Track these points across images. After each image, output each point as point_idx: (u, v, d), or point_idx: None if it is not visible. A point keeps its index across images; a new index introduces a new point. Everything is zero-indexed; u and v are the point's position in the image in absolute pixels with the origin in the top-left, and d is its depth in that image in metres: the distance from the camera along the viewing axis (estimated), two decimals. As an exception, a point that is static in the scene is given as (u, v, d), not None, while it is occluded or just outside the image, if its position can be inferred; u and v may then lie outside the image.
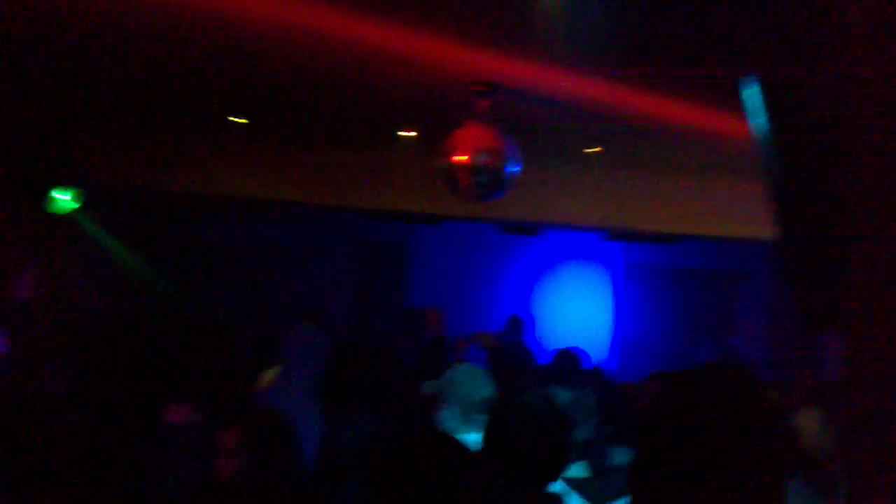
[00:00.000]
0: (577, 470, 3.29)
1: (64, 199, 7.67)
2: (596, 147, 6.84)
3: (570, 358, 6.00)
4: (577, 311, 9.89)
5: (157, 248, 9.11)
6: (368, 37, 4.42)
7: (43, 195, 7.56)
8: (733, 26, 3.33)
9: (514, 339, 8.50)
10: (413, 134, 6.94)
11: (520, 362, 6.83)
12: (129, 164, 7.94)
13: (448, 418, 3.64)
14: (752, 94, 3.13)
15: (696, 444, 1.39)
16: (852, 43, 2.09)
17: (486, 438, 2.74)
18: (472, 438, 3.07)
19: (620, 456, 3.91)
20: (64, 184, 7.58)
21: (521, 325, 8.89)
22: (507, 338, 8.46)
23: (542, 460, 2.65)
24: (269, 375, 5.08)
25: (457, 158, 4.99)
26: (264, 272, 10.26)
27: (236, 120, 7.01)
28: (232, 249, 10.21)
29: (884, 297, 1.60)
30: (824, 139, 2.49)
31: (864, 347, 1.60)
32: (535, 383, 5.37)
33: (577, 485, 3.18)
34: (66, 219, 7.79)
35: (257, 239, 10.31)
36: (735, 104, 3.94)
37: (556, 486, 2.78)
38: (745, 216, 7.15)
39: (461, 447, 2.18)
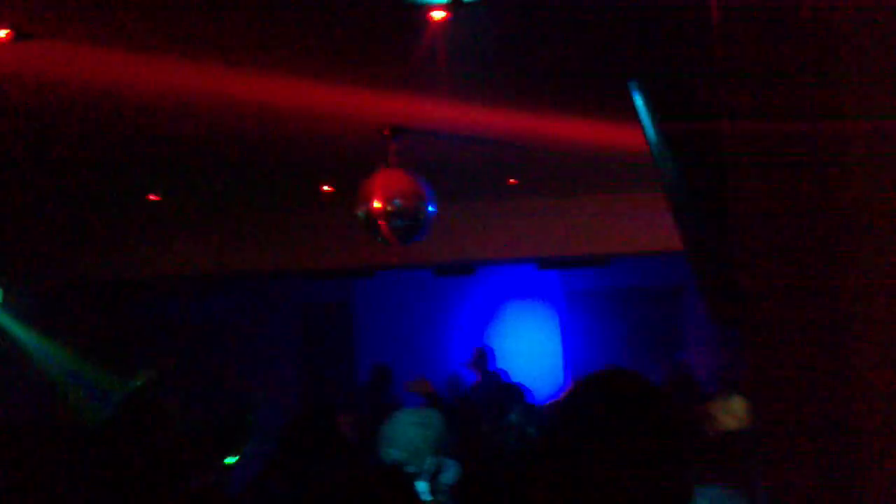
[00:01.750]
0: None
1: None
2: (513, 179, 6.89)
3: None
4: (525, 345, 9.88)
5: (87, 338, 8.89)
6: (272, 93, 4.42)
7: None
8: (610, 37, 3.39)
9: (482, 370, 8.59)
10: (331, 189, 6.93)
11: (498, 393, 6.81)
12: (48, 255, 7.78)
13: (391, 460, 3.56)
14: (638, 101, 3.18)
15: (594, 438, 1.40)
16: (721, 42, 2.13)
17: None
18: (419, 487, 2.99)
19: None
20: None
21: (486, 356, 8.93)
22: (474, 369, 8.50)
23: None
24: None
25: (373, 205, 5.01)
26: (206, 348, 10.07)
27: (153, 198, 6.93)
28: (168, 329, 10.02)
29: (775, 296, 1.63)
30: (707, 142, 2.52)
31: (761, 344, 1.62)
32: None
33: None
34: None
35: (196, 314, 10.14)
36: (632, 117, 4.00)
37: None
38: (672, 230, 7.23)
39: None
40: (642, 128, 3.50)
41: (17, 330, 7.86)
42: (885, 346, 1.46)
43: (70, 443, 5.03)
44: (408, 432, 3.58)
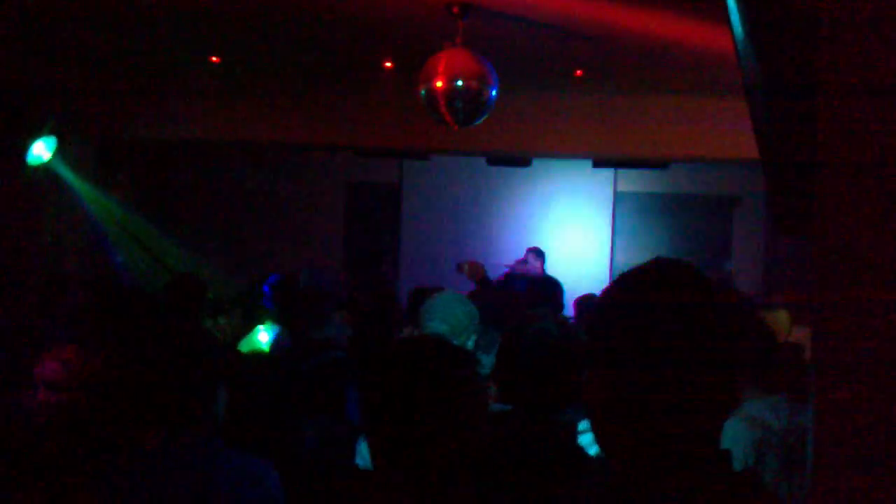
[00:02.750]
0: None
1: (40, 150, 7.51)
2: (580, 71, 6.69)
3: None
4: (573, 244, 9.81)
5: (139, 195, 8.99)
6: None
7: (22, 147, 7.43)
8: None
9: (535, 270, 8.43)
10: (392, 65, 6.79)
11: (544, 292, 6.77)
12: (107, 111, 7.80)
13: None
14: (731, 4, 2.99)
15: (647, 332, 1.33)
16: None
17: (499, 360, 2.63)
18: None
19: None
20: (42, 134, 7.43)
21: (541, 256, 8.74)
22: (528, 269, 8.41)
23: (555, 386, 2.52)
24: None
25: (436, 84, 4.90)
26: (248, 218, 10.14)
27: (212, 60, 6.86)
28: (215, 195, 10.09)
29: (851, 204, 1.54)
30: (801, 53, 2.37)
31: (833, 254, 1.55)
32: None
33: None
34: (44, 170, 7.64)
35: (240, 183, 10.18)
36: (718, 16, 3.80)
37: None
38: (738, 137, 7.02)
39: (465, 352, 2.04)
40: (729, 21, 3.32)
41: (72, 179, 7.95)
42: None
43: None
44: (452, 307, 3.59)
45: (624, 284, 1.41)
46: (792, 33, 2.83)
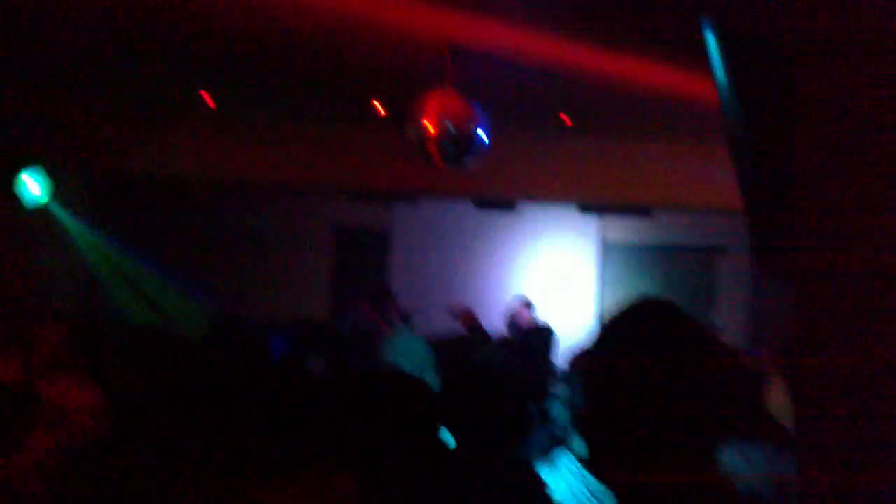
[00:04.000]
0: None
1: (34, 190, 7.52)
2: (567, 115, 6.79)
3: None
4: (557, 288, 9.84)
5: (127, 232, 8.99)
6: (337, 4, 4.37)
7: (11, 183, 7.42)
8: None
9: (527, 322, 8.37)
10: (381, 106, 6.87)
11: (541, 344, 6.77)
12: (98, 146, 7.83)
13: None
14: (714, 50, 3.08)
15: (637, 375, 1.32)
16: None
17: (447, 394, 2.63)
18: None
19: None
20: (34, 168, 7.44)
21: (531, 308, 8.70)
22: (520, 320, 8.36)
23: (507, 419, 2.52)
24: None
25: (424, 125, 4.97)
26: (237, 258, 10.13)
27: (205, 98, 6.93)
28: (203, 233, 10.09)
29: (836, 251, 1.58)
30: (785, 97, 2.44)
31: (815, 300, 1.57)
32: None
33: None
34: (38, 211, 7.65)
35: (228, 225, 10.18)
36: (702, 63, 3.89)
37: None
38: (722, 186, 7.10)
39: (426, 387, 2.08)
40: (711, 69, 3.40)
41: (67, 221, 7.97)
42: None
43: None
44: (415, 347, 3.62)
45: (612, 331, 1.41)
46: (773, 84, 2.91)
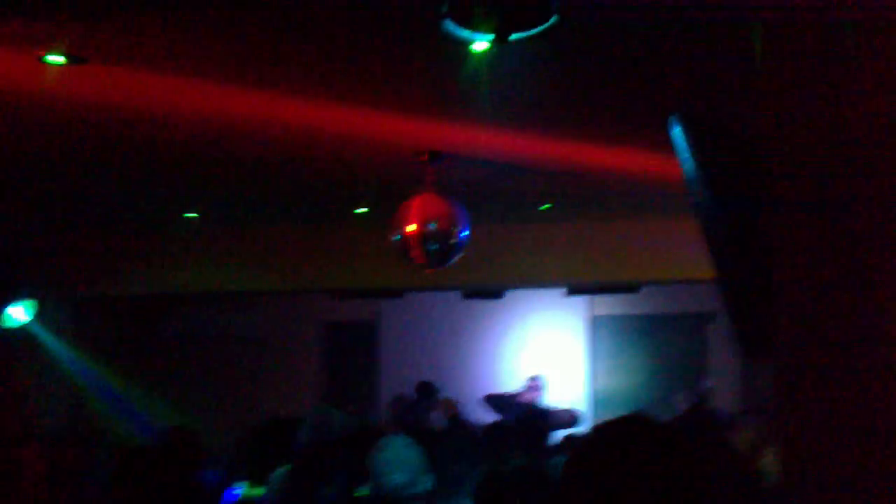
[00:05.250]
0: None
1: (17, 312, 7.53)
2: (547, 204, 6.92)
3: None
4: (550, 368, 9.86)
5: (114, 352, 8.97)
6: (313, 117, 4.49)
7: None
8: (654, 70, 3.42)
9: (534, 401, 8.42)
10: (365, 210, 6.99)
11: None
12: (83, 270, 7.88)
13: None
14: (678, 134, 3.21)
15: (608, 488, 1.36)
16: (764, 80, 2.16)
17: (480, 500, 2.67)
18: None
19: None
20: (20, 297, 7.47)
21: (541, 387, 8.75)
22: (526, 399, 8.38)
23: None
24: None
25: (408, 229, 5.06)
26: (228, 364, 10.13)
27: (189, 216, 7.02)
28: (194, 344, 10.10)
29: (810, 324, 1.63)
30: (748, 176, 2.56)
31: (794, 372, 1.62)
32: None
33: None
34: (20, 332, 7.64)
35: (218, 330, 10.20)
36: (669, 146, 4.03)
37: None
38: (704, 257, 7.21)
39: None
40: (679, 158, 3.53)
41: (51, 342, 7.96)
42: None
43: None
44: (407, 455, 3.59)
45: (596, 446, 1.45)
46: (738, 163, 3.02)
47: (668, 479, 1.34)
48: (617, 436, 1.42)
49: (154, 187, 6.07)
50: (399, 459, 3.52)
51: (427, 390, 8.81)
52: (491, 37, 2.63)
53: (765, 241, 1.87)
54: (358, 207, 6.93)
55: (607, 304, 9.90)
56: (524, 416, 7.61)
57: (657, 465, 1.36)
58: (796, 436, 1.53)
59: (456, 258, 5.16)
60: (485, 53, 3.33)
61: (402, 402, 8.97)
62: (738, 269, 2.60)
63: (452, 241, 5.00)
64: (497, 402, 8.32)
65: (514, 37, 2.55)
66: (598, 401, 9.94)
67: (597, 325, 10.20)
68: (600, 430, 1.45)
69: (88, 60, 3.44)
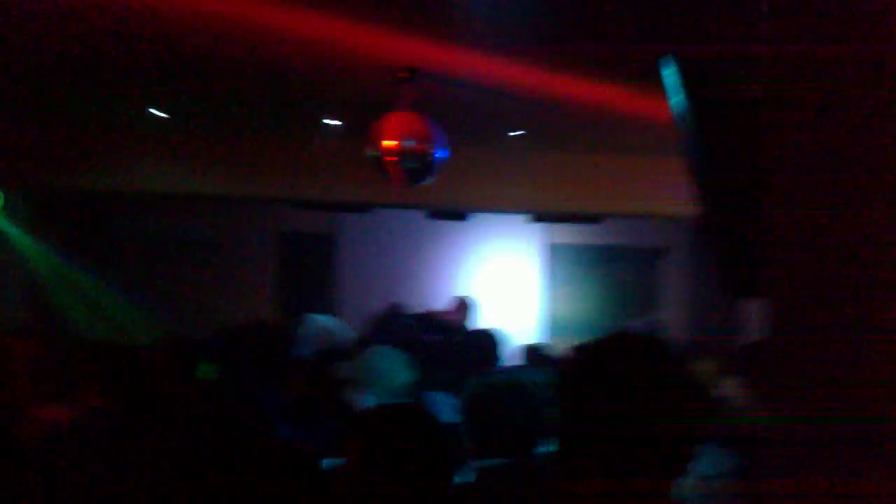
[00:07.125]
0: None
1: None
2: (520, 130, 6.94)
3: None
4: (506, 293, 10.01)
5: (72, 246, 8.88)
6: (291, 24, 4.42)
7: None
8: (649, 5, 3.43)
9: (461, 322, 8.54)
10: (338, 123, 6.93)
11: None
12: (46, 163, 7.74)
13: (368, 401, 3.65)
14: (669, 74, 3.23)
15: (613, 405, 1.48)
16: (765, 22, 2.17)
17: (463, 415, 2.76)
18: None
19: None
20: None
21: (468, 308, 8.94)
22: (454, 321, 8.50)
23: (519, 435, 2.65)
24: None
25: (385, 145, 5.05)
26: (182, 267, 10.08)
27: (156, 113, 6.90)
28: (151, 245, 10.02)
29: (803, 264, 1.67)
30: (741, 117, 2.59)
31: (787, 311, 1.67)
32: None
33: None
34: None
35: (175, 233, 10.12)
36: (654, 84, 4.06)
37: None
38: (668, 194, 7.35)
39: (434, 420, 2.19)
40: (668, 96, 3.55)
41: (15, 234, 7.86)
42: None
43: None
44: (391, 363, 3.70)
45: (593, 354, 1.58)
46: (732, 103, 3.05)
47: (670, 379, 1.51)
48: (624, 344, 1.56)
49: (120, 77, 5.91)
50: (397, 365, 3.64)
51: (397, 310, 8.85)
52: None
53: (757, 179, 1.90)
54: (331, 119, 6.87)
55: (566, 234, 10.03)
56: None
57: (659, 368, 1.52)
58: (787, 380, 1.60)
59: (432, 179, 5.17)
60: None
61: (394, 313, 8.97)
62: (727, 207, 2.66)
63: (430, 160, 5.01)
64: (426, 320, 8.37)
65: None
66: (553, 326, 10.14)
67: (555, 252, 10.34)
68: (605, 342, 1.58)
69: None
